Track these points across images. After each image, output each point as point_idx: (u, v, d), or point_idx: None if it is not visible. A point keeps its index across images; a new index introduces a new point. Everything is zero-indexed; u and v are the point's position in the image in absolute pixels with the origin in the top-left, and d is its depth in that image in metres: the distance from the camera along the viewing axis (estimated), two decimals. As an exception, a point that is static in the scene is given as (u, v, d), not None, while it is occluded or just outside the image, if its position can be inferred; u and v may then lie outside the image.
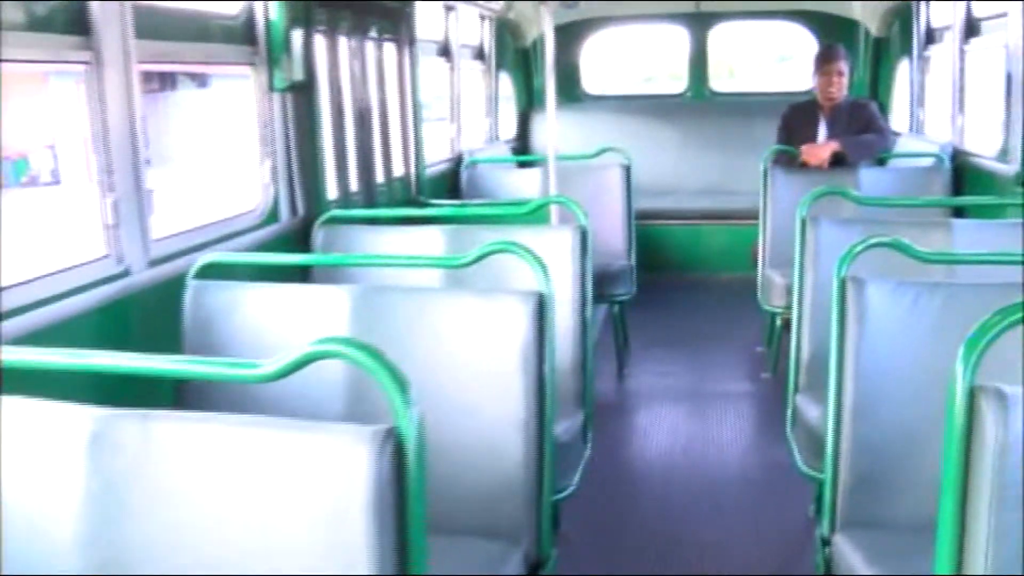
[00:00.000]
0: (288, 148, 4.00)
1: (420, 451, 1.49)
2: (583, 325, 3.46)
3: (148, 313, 3.01)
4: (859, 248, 2.75)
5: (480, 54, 7.46)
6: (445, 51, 6.52)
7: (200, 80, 26.53)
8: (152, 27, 3.11)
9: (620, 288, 5.51)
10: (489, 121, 7.60)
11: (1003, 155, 4.93)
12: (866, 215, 4.08)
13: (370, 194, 4.76)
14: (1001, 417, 1.55)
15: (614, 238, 5.64)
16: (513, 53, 8.17)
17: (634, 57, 14.80)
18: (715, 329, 6.55)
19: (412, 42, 5.39)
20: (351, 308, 2.73)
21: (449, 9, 6.46)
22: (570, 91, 8.67)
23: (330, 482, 1.47)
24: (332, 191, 4.38)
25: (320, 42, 4.23)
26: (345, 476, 1.45)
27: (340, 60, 4.46)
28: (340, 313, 2.73)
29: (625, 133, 7.95)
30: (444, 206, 5.24)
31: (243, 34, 3.77)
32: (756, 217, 5.51)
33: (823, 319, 3.42)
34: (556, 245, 3.50)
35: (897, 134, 6.52)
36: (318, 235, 3.85)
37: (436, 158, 6.29)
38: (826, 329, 2.79)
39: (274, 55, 3.84)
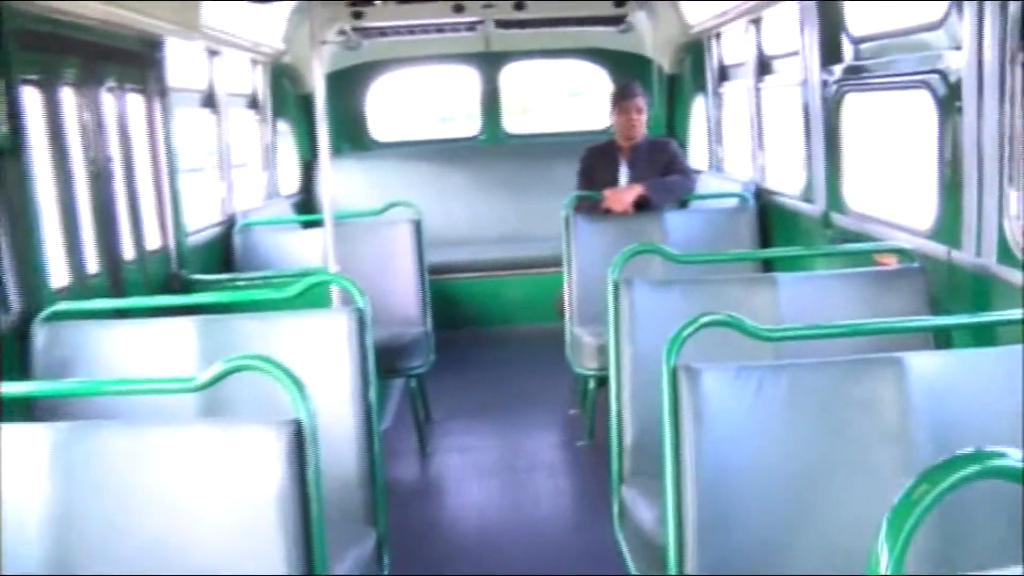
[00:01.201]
0: None
1: None
2: (368, 426, 2.89)
3: None
4: (689, 331, 2.30)
5: (254, 102, 6.77)
6: (210, 100, 5.81)
7: None
8: None
9: (416, 359, 4.96)
10: (267, 175, 6.89)
11: (808, 193, 4.74)
12: (681, 272, 3.71)
13: (115, 275, 3.98)
14: None
15: (407, 303, 5.11)
16: (294, 100, 7.52)
17: (427, 97, 14.40)
18: (523, 390, 6.07)
19: (164, 92, 4.68)
20: (51, 453, 2.07)
21: (213, 54, 5.76)
22: (357, 139, 8.17)
23: None
24: (62, 277, 3.61)
25: (32, 95, 3.48)
26: None
27: (64, 116, 3.71)
28: (39, 458, 2.08)
29: (417, 181, 7.53)
30: (209, 283, 4.54)
31: None
32: (559, 264, 5.16)
33: (646, 396, 3.01)
34: (330, 331, 2.95)
35: (697, 172, 6.33)
36: (39, 335, 3.11)
37: (205, 222, 5.56)
38: (650, 409, 2.35)
39: None
